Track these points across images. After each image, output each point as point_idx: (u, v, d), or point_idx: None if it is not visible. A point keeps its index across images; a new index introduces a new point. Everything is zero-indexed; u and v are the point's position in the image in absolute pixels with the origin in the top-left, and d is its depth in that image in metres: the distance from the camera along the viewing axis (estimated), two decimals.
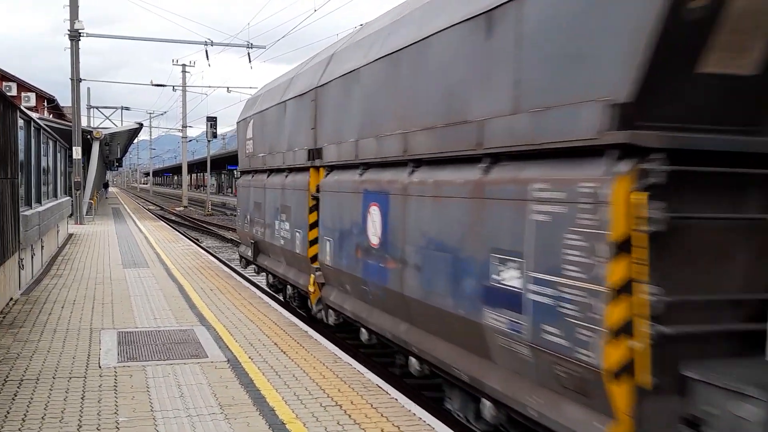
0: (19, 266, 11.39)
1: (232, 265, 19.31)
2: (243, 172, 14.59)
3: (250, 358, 7.46)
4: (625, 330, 4.09)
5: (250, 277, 16.01)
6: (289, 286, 11.25)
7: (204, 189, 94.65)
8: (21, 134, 11.73)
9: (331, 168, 8.98)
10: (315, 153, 9.35)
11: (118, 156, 60.57)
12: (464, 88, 5.67)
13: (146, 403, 5.94)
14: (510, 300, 5.00)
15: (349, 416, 5.70)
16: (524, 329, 4.85)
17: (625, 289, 4.08)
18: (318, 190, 9.34)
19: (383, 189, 7.17)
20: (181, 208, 54.56)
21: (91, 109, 58.06)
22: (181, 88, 53.90)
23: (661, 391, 4.13)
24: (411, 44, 6.52)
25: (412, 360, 6.79)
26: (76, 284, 12.41)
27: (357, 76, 7.89)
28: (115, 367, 7.04)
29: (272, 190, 11.59)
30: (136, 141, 70.97)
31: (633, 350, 4.09)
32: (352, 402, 6.06)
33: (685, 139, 4.10)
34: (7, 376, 6.71)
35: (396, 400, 6.18)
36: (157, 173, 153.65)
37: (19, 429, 5.32)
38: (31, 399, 6.02)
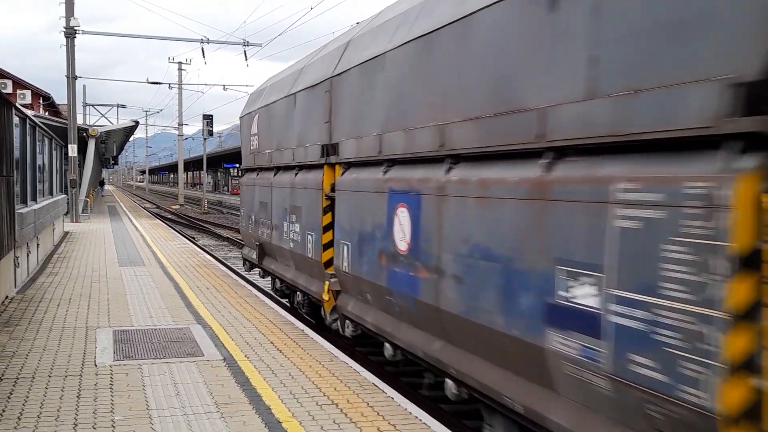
0: (15, 264, 11.20)
1: (229, 264, 19.24)
2: (247, 170, 13.56)
3: (246, 356, 7.33)
4: (749, 365, 3.22)
5: (246, 276, 15.74)
6: (298, 293, 10.32)
7: (200, 187, 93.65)
8: (16, 132, 11.53)
9: (349, 165, 8.08)
10: (330, 149, 8.45)
11: (114, 154, 59.50)
12: (520, 70, 4.78)
13: (142, 401, 5.86)
14: (583, 321, 4.13)
15: (345, 415, 5.61)
16: (603, 357, 3.98)
17: (749, 314, 3.21)
18: (333, 190, 8.45)
19: (413, 188, 6.29)
20: (178, 207, 54.01)
21: (87, 107, 57.27)
22: (177, 85, 53.12)
23: None
24: (449, 23, 5.62)
25: (449, 383, 5.90)
26: (72, 282, 12.23)
27: (380, 62, 7.00)
28: (111, 366, 6.93)
29: (280, 189, 10.66)
30: (132, 139, 69.97)
31: (759, 391, 3.23)
32: (348, 400, 5.97)
33: None
34: (3, 375, 6.61)
35: (392, 398, 6.07)
36: (153, 171, 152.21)
37: (15, 428, 5.23)
38: (27, 397, 5.93)
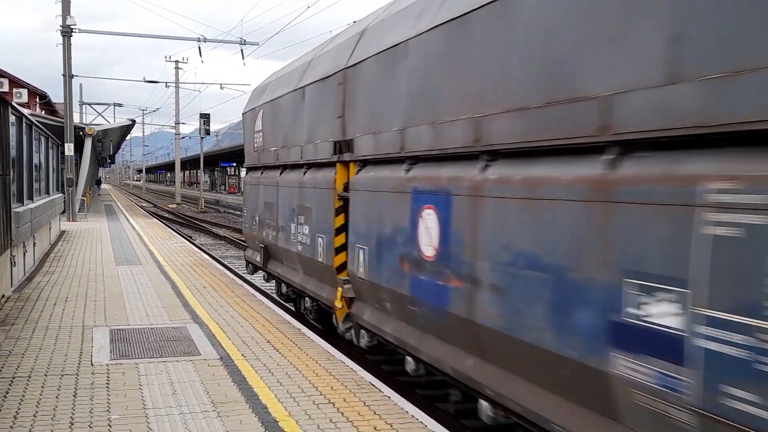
0: (11, 263, 11.06)
1: (226, 263, 18.92)
2: (250, 168, 12.83)
3: (242, 355, 7.23)
4: None
5: (243, 275, 15.61)
6: (307, 299, 9.64)
7: (197, 186, 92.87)
8: (13, 130, 11.34)
9: (364, 163, 7.42)
10: (343, 145, 7.78)
11: (111, 153, 58.82)
12: (578, 52, 4.12)
13: (138, 400, 5.77)
14: (661, 344, 3.49)
15: (342, 414, 5.53)
16: (687, 388, 3.34)
17: None
18: (346, 189, 7.79)
19: (442, 188, 5.63)
20: (174, 206, 53.37)
21: (84, 106, 56.62)
22: (174, 84, 52.45)
23: None
24: (489, 2, 4.97)
25: (483, 404, 5.24)
26: (69, 281, 12.05)
27: (403, 50, 6.34)
28: (107, 365, 6.83)
29: (287, 189, 9.98)
30: (128, 138, 69.23)
31: None
32: (344, 399, 5.89)
33: None
34: None
35: (389, 397, 5.98)
36: (150, 170, 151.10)
37: (11, 427, 5.16)
38: (23, 396, 5.85)
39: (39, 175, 16.68)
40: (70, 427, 5.17)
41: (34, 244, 14.48)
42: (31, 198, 14.19)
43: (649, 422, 3.65)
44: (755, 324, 2.99)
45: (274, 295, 12.52)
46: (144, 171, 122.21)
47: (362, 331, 7.51)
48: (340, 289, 7.83)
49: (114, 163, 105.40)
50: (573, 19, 4.16)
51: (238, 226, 32.27)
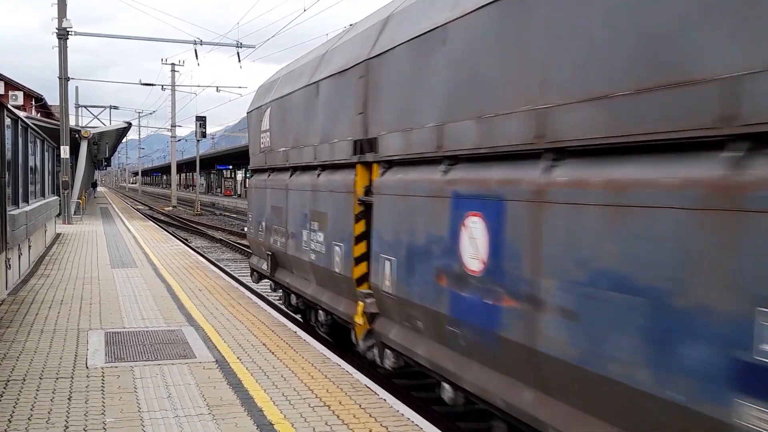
0: (6, 266, 10.93)
1: (221, 266, 18.82)
2: (256, 171, 11.87)
3: (238, 358, 7.13)
4: None
5: (239, 278, 15.54)
6: (320, 312, 8.76)
7: (193, 189, 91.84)
8: (8, 133, 11.15)
9: (390, 164, 6.58)
10: (365, 144, 6.93)
11: (107, 155, 57.84)
12: (685, 24, 3.31)
13: (133, 403, 5.70)
14: None
15: (338, 417, 5.47)
16: None
17: None
18: (368, 193, 6.95)
19: (492, 192, 4.79)
20: (170, 208, 52.51)
21: (80, 108, 55.63)
22: (170, 87, 51.54)
23: None
24: None
25: None
26: (64, 284, 11.88)
27: (440, 36, 5.50)
28: (102, 368, 6.72)
29: (298, 192, 9.10)
30: (124, 140, 68.18)
31: None
32: (340, 402, 5.81)
33: None
34: None
35: (384, 400, 5.91)
36: (145, 173, 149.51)
37: (5, 430, 5.12)
38: (18, 400, 5.77)
39: (34, 177, 16.44)
40: (65, 430, 5.09)
41: (30, 246, 14.32)
42: (26, 201, 14.01)
43: None
44: None
45: (280, 305, 11.66)
46: (140, 174, 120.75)
47: (387, 351, 6.66)
48: (361, 303, 6.98)
49: (110, 166, 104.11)
50: None
51: (234, 229, 31.50)
